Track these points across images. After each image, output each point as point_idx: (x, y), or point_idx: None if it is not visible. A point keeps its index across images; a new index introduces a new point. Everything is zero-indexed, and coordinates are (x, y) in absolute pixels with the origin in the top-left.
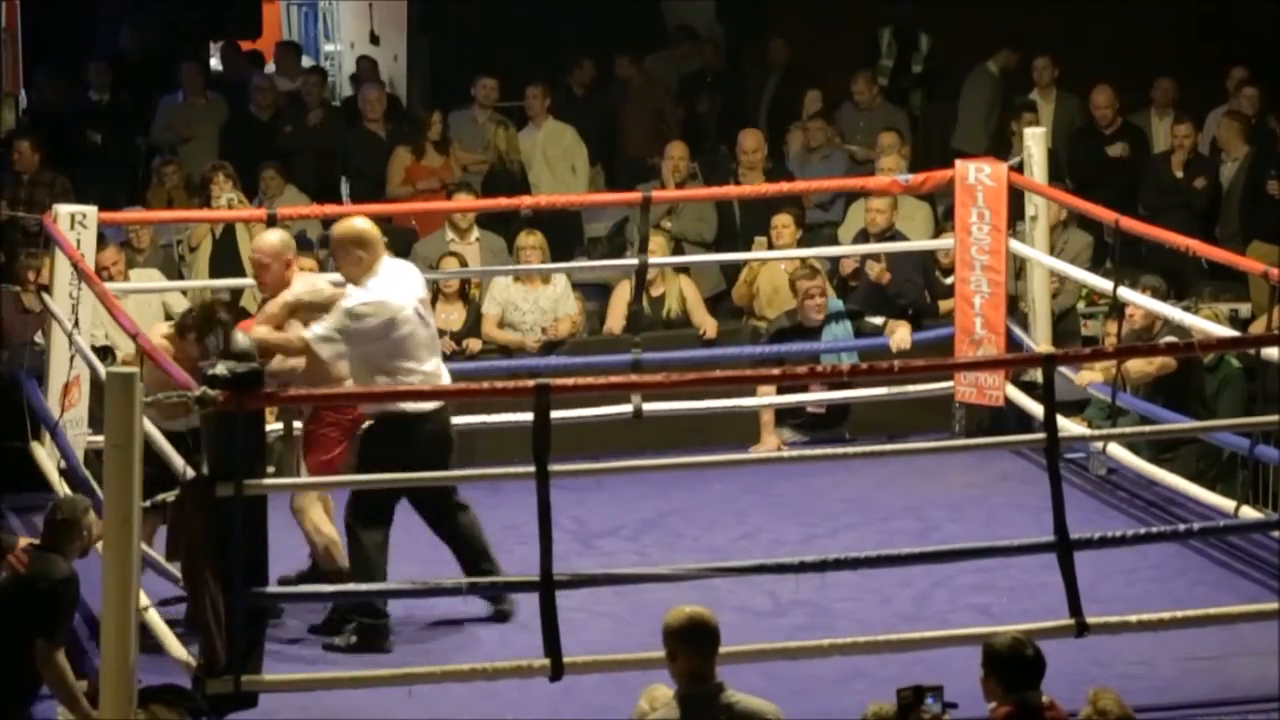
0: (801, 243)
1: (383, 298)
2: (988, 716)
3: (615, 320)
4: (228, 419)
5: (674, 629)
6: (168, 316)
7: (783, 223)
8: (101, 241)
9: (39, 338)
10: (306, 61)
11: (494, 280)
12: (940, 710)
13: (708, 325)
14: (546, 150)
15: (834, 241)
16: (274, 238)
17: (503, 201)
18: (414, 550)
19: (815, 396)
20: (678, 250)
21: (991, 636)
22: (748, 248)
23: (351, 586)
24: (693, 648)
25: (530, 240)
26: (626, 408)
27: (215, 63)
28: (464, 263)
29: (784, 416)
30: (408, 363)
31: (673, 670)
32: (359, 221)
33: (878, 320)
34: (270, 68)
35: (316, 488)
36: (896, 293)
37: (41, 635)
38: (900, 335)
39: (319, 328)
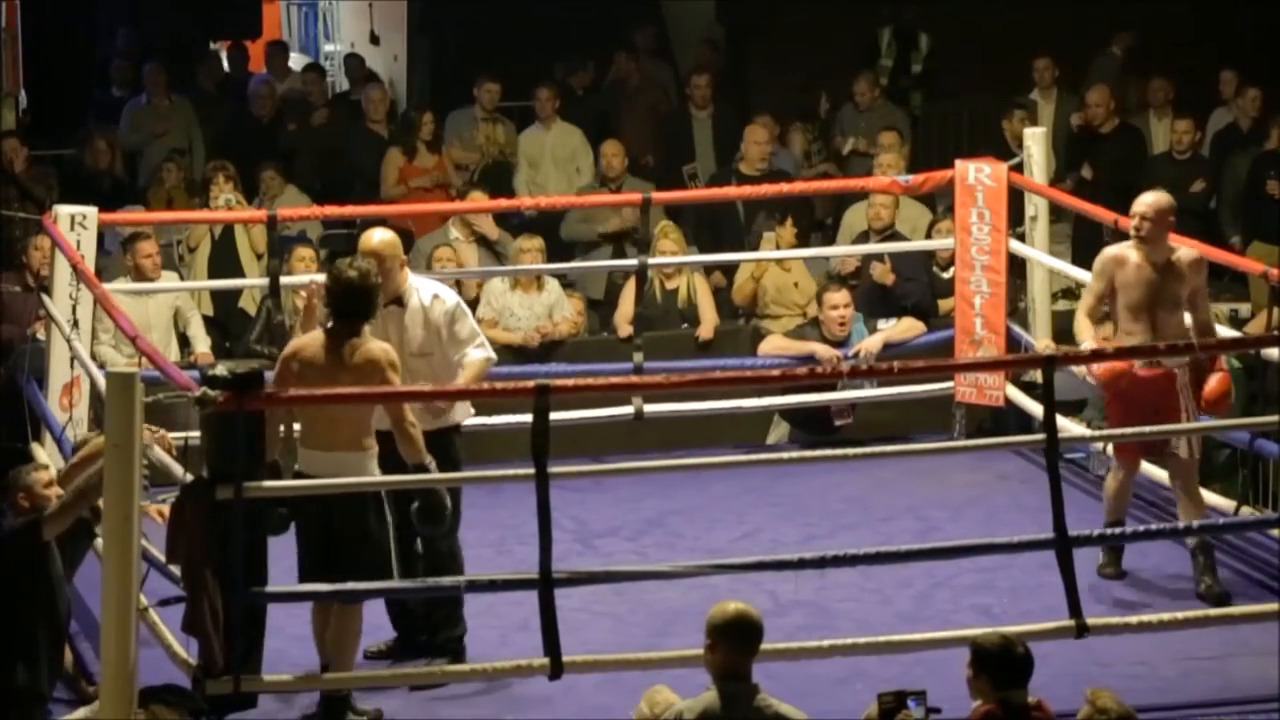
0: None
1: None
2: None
3: (622, 321)
4: (228, 420)
5: (718, 623)
6: (173, 317)
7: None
8: (142, 236)
9: (40, 334)
10: (301, 60)
11: (490, 284)
12: (923, 715)
13: (708, 322)
14: (555, 151)
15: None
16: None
17: (504, 203)
18: None
19: (815, 397)
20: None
21: (980, 636)
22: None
23: (350, 586)
24: (733, 644)
25: (530, 244)
26: (627, 409)
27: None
28: (460, 263)
29: (783, 415)
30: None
31: (710, 663)
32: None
33: (889, 323)
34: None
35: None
36: (901, 293)
37: None
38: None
39: (477, 351)
